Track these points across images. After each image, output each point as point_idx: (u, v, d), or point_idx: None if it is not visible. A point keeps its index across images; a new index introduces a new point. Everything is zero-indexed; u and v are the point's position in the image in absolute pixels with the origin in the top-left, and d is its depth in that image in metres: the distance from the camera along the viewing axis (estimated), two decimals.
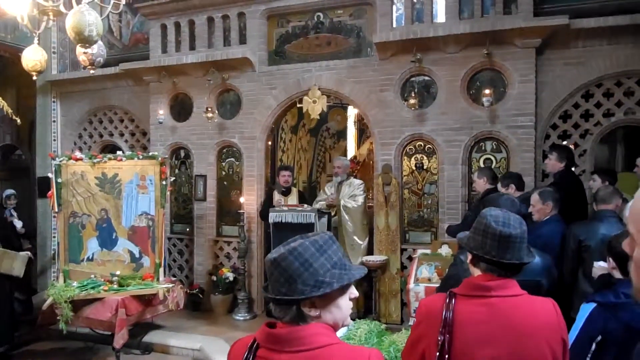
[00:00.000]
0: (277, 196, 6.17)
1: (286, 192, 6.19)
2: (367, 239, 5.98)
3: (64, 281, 5.22)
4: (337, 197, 6.00)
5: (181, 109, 6.88)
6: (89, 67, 3.81)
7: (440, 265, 4.70)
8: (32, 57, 3.67)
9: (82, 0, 2.87)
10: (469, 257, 1.79)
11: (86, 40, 2.84)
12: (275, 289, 1.26)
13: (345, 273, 1.28)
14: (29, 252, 5.62)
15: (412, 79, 5.70)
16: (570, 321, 1.99)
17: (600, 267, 2.84)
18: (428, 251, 5.21)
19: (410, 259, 5.58)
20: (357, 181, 6.28)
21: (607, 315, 2.14)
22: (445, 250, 5.03)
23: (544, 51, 5.21)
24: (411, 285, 4.59)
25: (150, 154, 5.77)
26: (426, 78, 5.67)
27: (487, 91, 5.18)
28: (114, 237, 5.50)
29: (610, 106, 5.17)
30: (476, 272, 1.75)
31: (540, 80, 5.23)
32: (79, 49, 3.51)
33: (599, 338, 2.12)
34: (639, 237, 0.90)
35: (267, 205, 6.10)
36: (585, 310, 2.21)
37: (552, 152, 4.71)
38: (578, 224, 3.78)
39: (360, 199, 5.97)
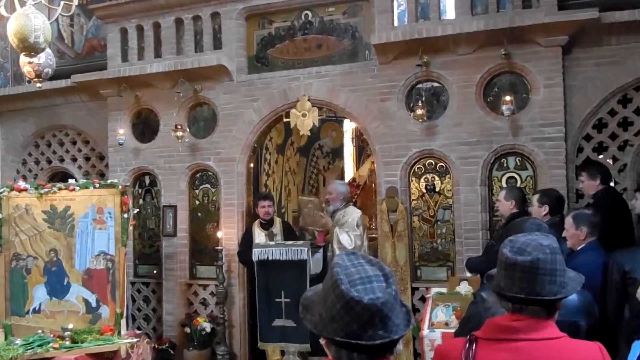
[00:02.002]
0: (257, 231, 6.13)
1: (267, 226, 6.16)
2: None
3: (5, 338, 5.16)
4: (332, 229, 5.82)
5: (145, 128, 6.92)
6: (35, 80, 3.84)
7: (459, 306, 4.68)
8: None
9: (26, 2, 2.92)
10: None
11: (32, 48, 2.88)
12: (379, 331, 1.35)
13: None
14: None
15: (419, 85, 5.78)
16: None
17: None
18: (444, 290, 5.19)
19: (423, 299, 5.57)
20: (356, 212, 6.03)
21: None
22: (464, 288, 5.00)
23: (571, 50, 5.31)
24: (425, 331, 4.57)
25: (108, 181, 5.78)
26: (435, 84, 5.75)
27: (507, 98, 5.24)
28: (65, 283, 5.46)
29: None
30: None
31: (568, 83, 5.32)
32: (23, 59, 3.55)
33: None
34: None
35: (245, 244, 6.04)
36: (637, 348, 2.22)
37: (582, 173, 4.95)
38: (622, 251, 3.78)
39: (356, 237, 5.72)
